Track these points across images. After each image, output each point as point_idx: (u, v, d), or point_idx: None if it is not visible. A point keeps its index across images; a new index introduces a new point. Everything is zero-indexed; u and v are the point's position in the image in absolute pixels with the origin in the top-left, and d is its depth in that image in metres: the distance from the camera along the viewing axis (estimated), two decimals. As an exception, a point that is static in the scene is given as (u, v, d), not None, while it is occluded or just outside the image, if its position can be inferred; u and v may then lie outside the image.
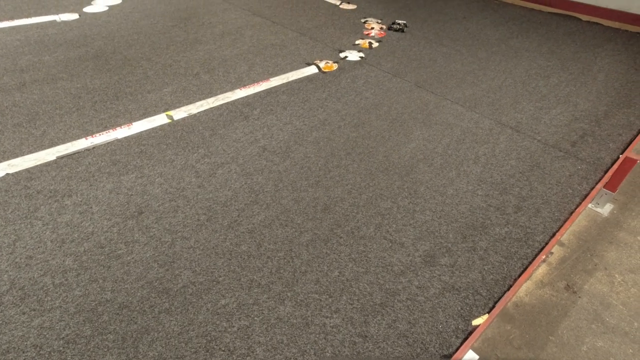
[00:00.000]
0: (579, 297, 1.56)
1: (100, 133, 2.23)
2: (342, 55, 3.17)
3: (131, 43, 3.34)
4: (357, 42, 3.40)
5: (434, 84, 2.81)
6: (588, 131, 2.34)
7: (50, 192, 1.85)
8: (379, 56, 3.19)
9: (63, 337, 1.30)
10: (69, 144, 2.15)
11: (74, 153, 2.09)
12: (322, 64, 3.01)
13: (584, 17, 3.98)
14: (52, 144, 2.15)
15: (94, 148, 2.13)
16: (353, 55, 3.16)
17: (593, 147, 2.21)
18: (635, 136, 2.25)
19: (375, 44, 3.36)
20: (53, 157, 2.05)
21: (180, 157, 2.09)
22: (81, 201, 1.80)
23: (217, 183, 1.92)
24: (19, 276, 1.48)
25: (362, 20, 3.89)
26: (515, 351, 1.40)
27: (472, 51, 3.32)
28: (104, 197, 1.83)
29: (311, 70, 2.96)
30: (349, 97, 2.64)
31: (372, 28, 3.69)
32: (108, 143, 2.17)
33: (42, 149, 2.11)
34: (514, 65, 3.10)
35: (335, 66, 3.00)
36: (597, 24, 3.87)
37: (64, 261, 1.54)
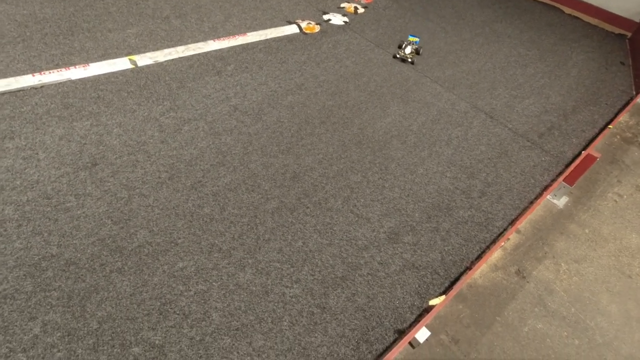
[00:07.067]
0: (527, 282, 1.66)
1: (51, 71, 2.00)
2: (325, 17, 3.01)
3: (92, -28, 2.97)
4: (342, 5, 3.23)
5: (415, 60, 2.75)
6: (555, 124, 2.41)
7: (-11, 131, 1.65)
8: (364, 23, 3.06)
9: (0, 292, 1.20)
10: (11, 79, 1.91)
11: (18, 90, 1.86)
12: (303, 24, 2.84)
13: (567, 10, 4.01)
14: (-7, 77, 1.90)
15: (42, 87, 1.91)
16: (337, 19, 3.01)
17: (558, 141, 2.28)
18: (597, 134, 2.35)
19: (360, 10, 3.21)
20: (-7, 93, 1.82)
21: (143, 107, 1.92)
22: (25, 145, 1.63)
23: (182, 140, 1.80)
24: (-52, 222, 1.33)
25: (350, -18, 3.68)
26: (464, 329, 1.48)
27: (456, 30, 3.26)
28: (52, 143, 1.66)
29: (292, 29, 2.80)
30: (329, 63, 2.53)
31: (360, -8, 3.51)
32: (60, 83, 1.95)
33: (-19, 82, 1.86)
34: (495, 50, 3.09)
35: (317, 28, 2.85)
36: (577, 18, 3.92)
37: (2, 210, 1.40)
